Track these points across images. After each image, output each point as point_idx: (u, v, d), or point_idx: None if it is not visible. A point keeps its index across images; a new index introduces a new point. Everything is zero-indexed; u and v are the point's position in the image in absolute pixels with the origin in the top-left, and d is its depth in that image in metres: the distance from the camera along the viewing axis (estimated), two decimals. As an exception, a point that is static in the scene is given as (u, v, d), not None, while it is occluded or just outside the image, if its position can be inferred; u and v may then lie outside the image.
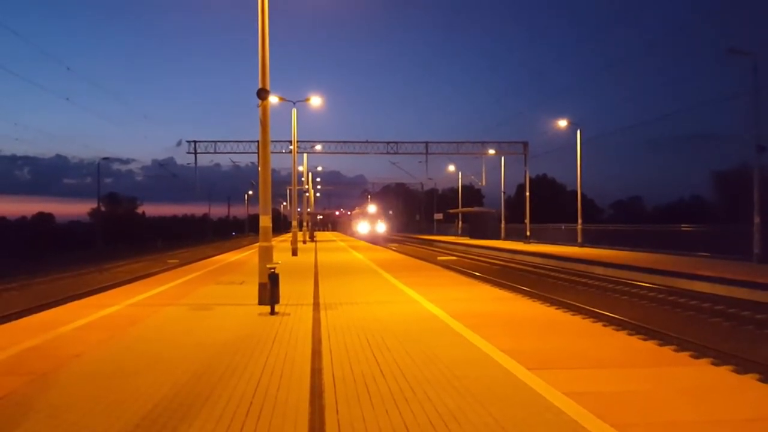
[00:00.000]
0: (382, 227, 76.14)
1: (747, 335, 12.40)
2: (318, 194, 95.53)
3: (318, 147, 49.06)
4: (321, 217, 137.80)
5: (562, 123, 39.23)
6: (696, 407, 4.97)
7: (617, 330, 12.03)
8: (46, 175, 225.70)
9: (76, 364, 6.56)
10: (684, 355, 9.62)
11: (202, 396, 5.30)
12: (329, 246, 40.88)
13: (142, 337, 8.15)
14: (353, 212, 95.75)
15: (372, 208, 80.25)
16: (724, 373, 7.11)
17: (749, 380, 6.68)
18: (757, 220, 22.24)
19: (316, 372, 6.14)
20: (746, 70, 23.92)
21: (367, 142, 48.96)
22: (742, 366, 9.44)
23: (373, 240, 61.53)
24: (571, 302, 16.02)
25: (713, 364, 9.14)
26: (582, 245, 35.02)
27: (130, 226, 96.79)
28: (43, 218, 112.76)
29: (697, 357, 9.98)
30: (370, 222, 76.91)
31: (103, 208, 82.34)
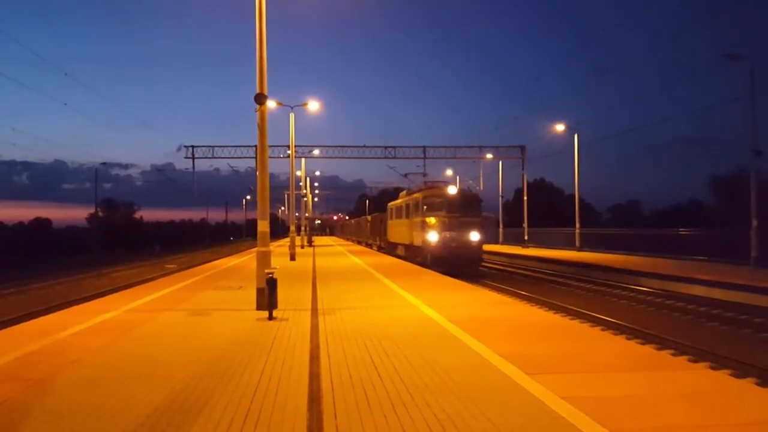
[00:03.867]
0: (476, 236, 26.67)
1: (744, 339, 12.41)
2: (316, 199, 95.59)
3: (316, 152, 49.09)
4: (319, 221, 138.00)
5: (560, 127, 39.31)
6: (694, 411, 4.97)
7: (615, 334, 12.01)
8: (45, 180, 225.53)
9: (74, 370, 6.54)
10: (682, 359, 9.63)
11: (200, 401, 5.28)
12: (327, 251, 40.84)
13: (140, 343, 8.12)
14: (403, 199, 33.99)
15: (452, 189, 29.00)
16: (722, 377, 7.11)
17: (747, 384, 6.67)
18: (754, 223, 22.27)
19: (314, 377, 6.13)
20: (743, 74, 23.99)
21: (365, 146, 48.98)
22: (740, 370, 9.45)
23: (468, 272, 24.76)
24: (570, 306, 16.02)
25: (711, 368, 9.15)
26: (580, 249, 35.04)
27: (127, 232, 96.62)
28: (41, 223, 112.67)
29: (695, 361, 9.99)
30: (449, 225, 26.46)
31: (100, 214, 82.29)
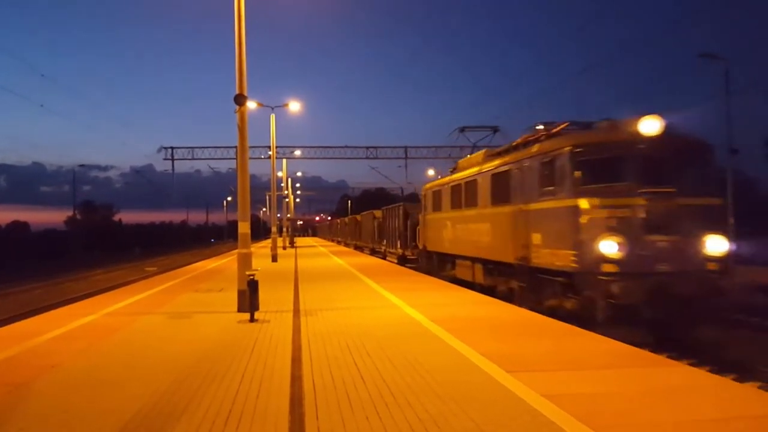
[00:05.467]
0: (718, 244, 10.15)
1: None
2: (298, 200, 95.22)
3: (297, 152, 48.97)
4: (301, 222, 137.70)
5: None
6: (674, 408, 5.03)
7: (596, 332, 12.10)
8: (23, 183, 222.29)
9: (53, 375, 6.46)
10: (661, 356, 9.72)
11: (180, 405, 5.24)
12: (309, 252, 40.73)
13: (119, 347, 8.04)
14: (478, 167, 15.77)
15: (649, 123, 10.32)
16: (701, 373, 7.20)
17: (725, 380, 6.76)
18: (730, 221, 22.62)
19: (296, 379, 6.11)
20: (720, 73, 24.38)
21: (346, 147, 49.00)
22: (719, 366, 9.58)
23: None
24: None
25: (690, 364, 9.26)
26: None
27: (106, 234, 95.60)
28: (18, 227, 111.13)
29: (674, 358, 10.09)
30: (653, 218, 10.06)
31: (78, 216, 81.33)
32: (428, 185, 22.37)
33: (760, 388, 8.14)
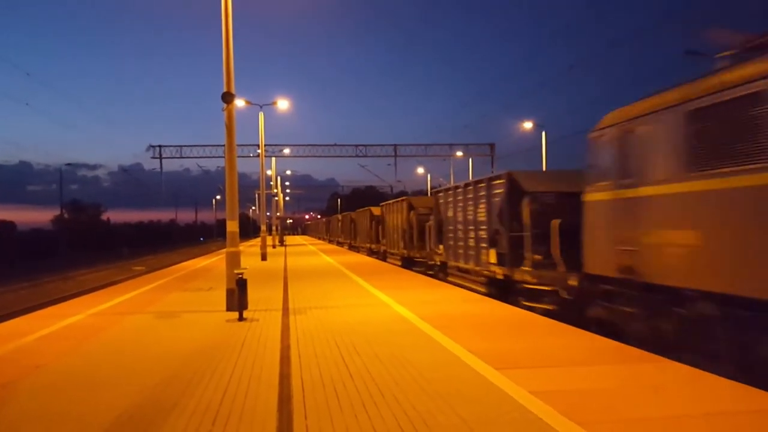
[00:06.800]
0: None
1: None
2: (287, 198, 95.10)
3: (286, 150, 48.97)
4: (291, 221, 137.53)
5: (528, 125, 39.76)
6: (660, 403, 5.06)
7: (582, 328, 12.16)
8: (9, 182, 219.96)
9: (38, 376, 6.41)
10: (647, 352, 9.77)
11: (167, 405, 5.21)
12: (299, 250, 40.67)
13: (106, 347, 7.99)
14: None
15: None
16: (686, 368, 7.25)
17: (710, 376, 6.80)
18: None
19: (285, 378, 6.09)
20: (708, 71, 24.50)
21: (335, 145, 49.07)
22: (703, 362, 9.62)
23: None
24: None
25: (675, 360, 9.31)
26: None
27: (94, 234, 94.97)
28: (4, 226, 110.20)
29: (659, 354, 10.14)
30: None
31: (66, 216, 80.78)
32: (628, 109, 8.98)
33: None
